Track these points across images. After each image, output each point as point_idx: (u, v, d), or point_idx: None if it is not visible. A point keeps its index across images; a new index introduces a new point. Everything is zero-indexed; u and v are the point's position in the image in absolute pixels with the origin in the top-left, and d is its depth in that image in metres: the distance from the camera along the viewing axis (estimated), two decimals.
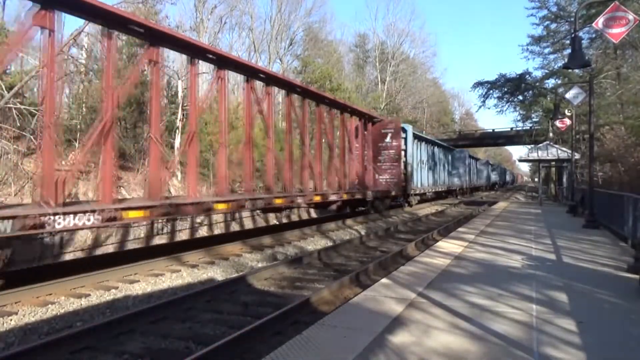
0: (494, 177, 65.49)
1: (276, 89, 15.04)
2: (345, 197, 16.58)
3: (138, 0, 21.39)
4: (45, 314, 6.14)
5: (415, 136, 24.85)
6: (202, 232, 16.70)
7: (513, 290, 5.52)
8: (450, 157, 35.81)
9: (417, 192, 24.77)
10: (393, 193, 21.06)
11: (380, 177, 21.05)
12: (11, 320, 5.87)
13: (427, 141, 28.58)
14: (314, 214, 21.81)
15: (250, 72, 12.45)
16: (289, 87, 14.49)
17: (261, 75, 13.08)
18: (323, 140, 17.28)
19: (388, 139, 21.19)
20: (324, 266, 9.56)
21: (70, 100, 20.75)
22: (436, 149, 30.40)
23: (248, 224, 18.63)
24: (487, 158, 73.53)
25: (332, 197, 15.72)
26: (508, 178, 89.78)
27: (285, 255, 10.66)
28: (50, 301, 6.56)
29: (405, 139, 22.42)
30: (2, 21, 17.46)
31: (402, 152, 21.67)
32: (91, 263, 9.07)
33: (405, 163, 22.34)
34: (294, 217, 21.45)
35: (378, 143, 21.19)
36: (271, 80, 13.51)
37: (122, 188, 18.13)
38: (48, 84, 7.26)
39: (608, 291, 5.55)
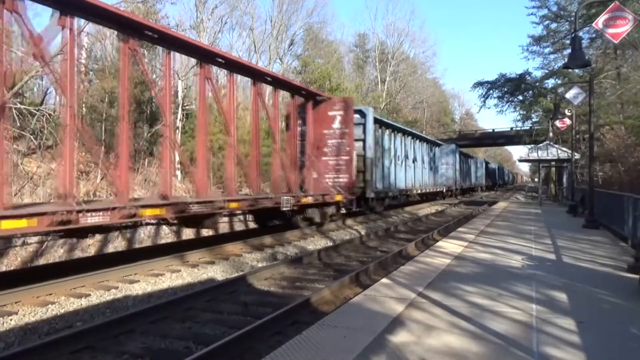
0: (490, 176, 62.12)
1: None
2: (232, 206, 10.57)
3: (138, 0, 21.41)
4: (45, 314, 6.13)
5: (379, 122, 19.29)
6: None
7: (513, 290, 5.52)
8: (435, 153, 30.75)
9: (383, 195, 19.32)
10: (338, 197, 14.97)
11: (327, 175, 15.48)
12: (11, 320, 5.87)
13: (399, 130, 22.72)
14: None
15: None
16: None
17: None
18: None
19: (336, 124, 15.52)
20: (324, 266, 9.56)
21: None
22: (414, 142, 25.20)
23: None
24: (484, 157, 72.76)
25: (194, 209, 9.35)
26: (507, 178, 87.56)
27: (286, 255, 10.66)
28: (50, 301, 6.56)
29: (364, 125, 17.20)
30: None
31: (360, 143, 16.86)
32: (91, 263, 9.07)
33: (364, 158, 16.99)
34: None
35: (323, 130, 15.59)
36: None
37: None
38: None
39: (608, 291, 5.55)
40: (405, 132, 23.75)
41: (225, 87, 14.21)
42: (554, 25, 31.24)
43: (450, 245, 9.03)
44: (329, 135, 15.72)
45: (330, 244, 12.26)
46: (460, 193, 37.81)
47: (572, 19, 24.52)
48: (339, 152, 15.68)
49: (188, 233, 15.54)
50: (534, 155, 24.29)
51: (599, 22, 9.73)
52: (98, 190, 17.32)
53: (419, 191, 25.90)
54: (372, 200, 18.06)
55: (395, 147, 21.48)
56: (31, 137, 16.68)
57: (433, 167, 29.79)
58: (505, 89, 33.28)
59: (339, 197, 15.07)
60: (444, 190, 32.41)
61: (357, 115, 16.74)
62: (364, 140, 17.21)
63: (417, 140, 25.90)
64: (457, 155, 35.80)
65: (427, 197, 29.47)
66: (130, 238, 14.09)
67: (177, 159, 17.95)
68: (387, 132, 20.34)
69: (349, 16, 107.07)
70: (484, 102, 34.38)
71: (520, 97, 34.26)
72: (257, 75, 12.58)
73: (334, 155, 15.73)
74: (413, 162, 24.67)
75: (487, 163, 59.46)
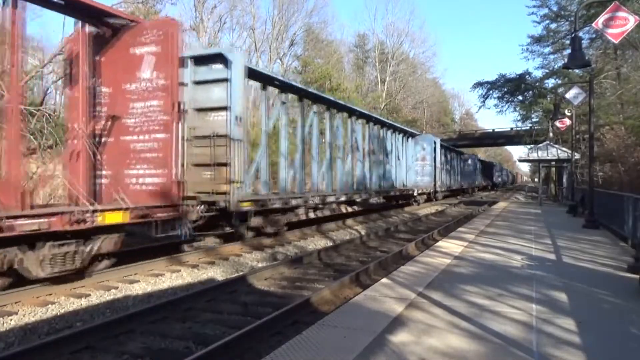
0: (486, 176, 55.96)
1: None
2: None
3: (138, 0, 21.41)
4: (45, 314, 6.14)
5: (268, 81, 12.49)
6: None
7: (513, 290, 5.52)
8: (403, 144, 24.11)
9: (279, 206, 11.90)
10: (112, 218, 7.24)
11: (131, 172, 8.60)
12: (11, 320, 5.87)
13: (319, 101, 14.99)
14: None
15: None
16: None
17: None
18: None
19: (146, 73, 8.48)
20: (325, 266, 9.57)
21: None
22: (353, 122, 17.26)
23: None
24: (484, 157, 71.57)
25: None
26: (506, 177, 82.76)
27: (286, 255, 10.67)
28: (50, 301, 6.56)
29: (229, 82, 10.24)
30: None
31: (222, 116, 10.35)
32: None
33: (229, 140, 10.19)
34: None
35: (123, 82, 8.67)
36: None
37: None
38: None
39: (608, 291, 5.55)
40: (333, 105, 15.83)
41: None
42: (553, 25, 31.27)
43: (450, 245, 9.03)
44: (134, 95, 8.62)
45: (330, 244, 12.26)
46: (444, 196, 31.72)
47: (572, 19, 24.54)
48: (152, 126, 8.46)
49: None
50: (534, 155, 24.30)
51: (599, 22, 9.73)
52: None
53: (365, 196, 18.47)
54: (247, 217, 10.85)
55: (312, 127, 14.34)
56: (31, 137, 16.66)
57: (397, 163, 23.16)
58: (505, 89, 33.32)
59: (113, 218, 7.30)
60: (417, 194, 25.18)
61: (218, 66, 10.38)
62: (227, 109, 10.25)
63: (361, 121, 18.31)
64: (438, 149, 28.15)
65: (396, 200, 24.21)
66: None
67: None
68: (290, 99, 13.47)
69: (348, 16, 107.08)
70: (484, 102, 34.47)
71: (520, 97, 34.31)
72: None
73: (143, 132, 8.57)
74: (362, 153, 18.22)
75: (481, 161, 54.19)
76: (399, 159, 23.39)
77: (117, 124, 8.77)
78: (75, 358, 4.85)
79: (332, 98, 16.96)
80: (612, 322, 4.48)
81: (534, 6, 31.06)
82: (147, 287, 7.55)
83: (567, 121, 22.21)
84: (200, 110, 10.55)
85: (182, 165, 8.63)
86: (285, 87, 13.19)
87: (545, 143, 24.55)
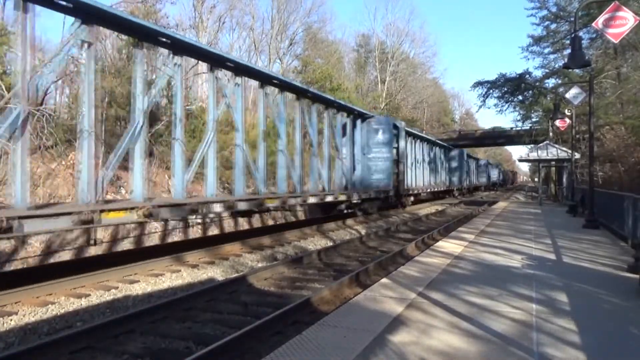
0: (476, 175, 47.11)
1: None
2: None
3: (138, 0, 21.39)
4: (45, 314, 6.14)
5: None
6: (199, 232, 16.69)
7: (513, 290, 5.52)
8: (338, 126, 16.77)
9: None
10: None
11: None
12: (11, 320, 5.87)
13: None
14: None
15: None
16: None
17: None
18: None
19: None
20: (324, 266, 9.56)
21: (70, 100, 20.77)
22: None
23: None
24: (485, 158, 71.20)
25: None
26: (503, 177, 75.99)
27: (285, 255, 10.66)
28: (50, 301, 6.56)
29: None
30: (2, 22, 17.44)
31: None
32: (91, 263, 9.07)
33: None
34: None
35: None
36: None
37: (122, 188, 18.11)
38: None
39: (608, 291, 5.55)
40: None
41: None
42: (553, 26, 31.19)
43: (450, 245, 9.02)
44: None
45: (330, 244, 12.25)
46: (418, 201, 23.66)
47: (572, 19, 24.50)
48: None
49: (192, 233, 15.57)
50: (534, 155, 24.28)
51: (599, 22, 9.72)
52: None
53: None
54: None
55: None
56: (31, 137, 16.64)
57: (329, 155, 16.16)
58: (505, 89, 33.23)
59: None
60: (356, 200, 17.05)
61: None
62: None
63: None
64: (403, 137, 20.64)
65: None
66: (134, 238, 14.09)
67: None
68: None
69: (348, 16, 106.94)
70: (484, 101, 34.34)
71: (520, 97, 34.23)
72: None
73: None
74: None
75: (473, 158, 43.11)
76: (336, 149, 16.95)
77: None
78: (75, 358, 4.85)
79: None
80: (612, 322, 4.48)
81: (533, 8, 31.04)
82: (147, 287, 7.55)
83: (567, 121, 22.20)
84: None
85: None
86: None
87: (545, 143, 24.53)
